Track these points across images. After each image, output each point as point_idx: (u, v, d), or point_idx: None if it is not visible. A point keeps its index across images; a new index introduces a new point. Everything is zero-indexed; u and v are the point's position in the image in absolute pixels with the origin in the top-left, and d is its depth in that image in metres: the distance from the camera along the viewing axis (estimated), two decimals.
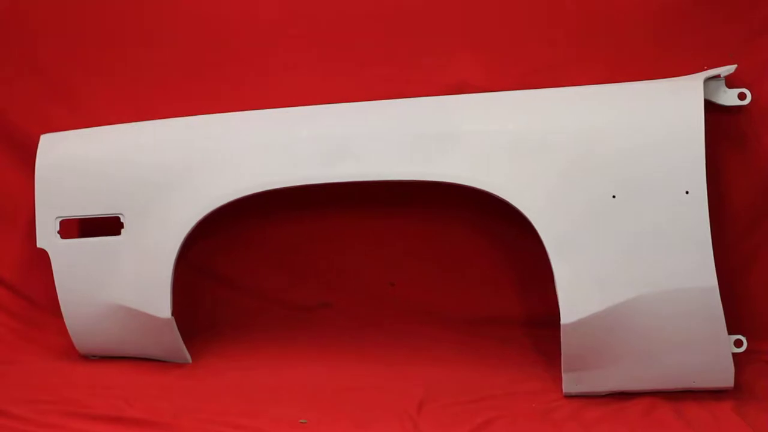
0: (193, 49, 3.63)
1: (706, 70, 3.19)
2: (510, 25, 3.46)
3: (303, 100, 3.42)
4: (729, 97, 3.15)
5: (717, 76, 3.12)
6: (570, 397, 2.99)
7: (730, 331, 2.88)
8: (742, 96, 3.14)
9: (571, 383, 2.99)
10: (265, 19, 3.59)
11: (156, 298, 3.25)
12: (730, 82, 3.16)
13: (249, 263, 3.73)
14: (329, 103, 3.38)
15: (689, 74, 3.22)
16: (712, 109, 3.14)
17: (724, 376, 2.91)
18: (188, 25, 3.62)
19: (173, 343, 3.32)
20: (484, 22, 3.47)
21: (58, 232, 3.33)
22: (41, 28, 3.68)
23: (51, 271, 3.35)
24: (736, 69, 3.12)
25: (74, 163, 3.36)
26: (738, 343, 2.97)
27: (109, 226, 3.33)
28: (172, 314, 3.25)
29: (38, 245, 3.36)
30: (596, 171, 2.95)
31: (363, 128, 3.21)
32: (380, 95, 3.39)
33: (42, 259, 3.40)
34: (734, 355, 2.92)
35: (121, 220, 3.29)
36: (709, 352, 2.89)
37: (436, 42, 3.50)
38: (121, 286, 3.29)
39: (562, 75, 3.39)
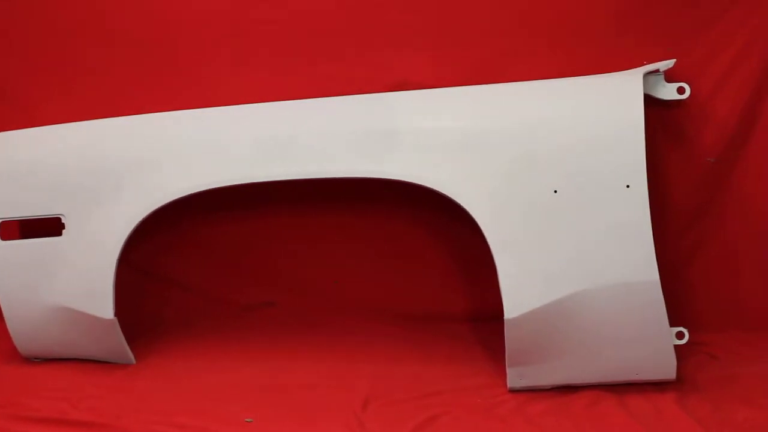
0: (137, 49, 3.61)
1: (646, 64, 3.21)
2: (452, 22, 3.46)
3: (248, 98, 3.42)
4: (668, 92, 3.18)
5: (656, 71, 3.15)
6: (515, 391, 3.01)
7: (672, 324, 2.91)
8: (681, 90, 3.17)
9: (515, 378, 3.00)
10: (211, 18, 3.58)
11: (98, 299, 3.22)
12: (670, 76, 3.19)
13: (192, 263, 3.72)
14: (274, 101, 3.37)
15: (629, 69, 3.23)
16: (651, 103, 3.17)
17: (666, 368, 2.93)
18: (132, 25, 3.61)
19: (117, 344, 3.30)
20: (427, 19, 3.48)
21: None
22: None
23: None
24: (675, 64, 3.14)
25: (14, 164, 3.33)
26: (680, 336, 3.00)
27: (50, 227, 3.30)
28: (115, 315, 3.23)
29: None
30: (538, 166, 2.96)
31: (306, 126, 3.21)
32: (324, 92, 3.40)
33: None
34: (676, 347, 2.94)
35: (62, 221, 3.26)
36: (652, 344, 2.91)
37: (380, 39, 3.51)
38: (63, 287, 3.27)
39: (503, 71, 3.41)
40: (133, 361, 3.35)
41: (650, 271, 2.87)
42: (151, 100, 3.53)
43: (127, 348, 3.32)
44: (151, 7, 3.59)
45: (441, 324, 3.56)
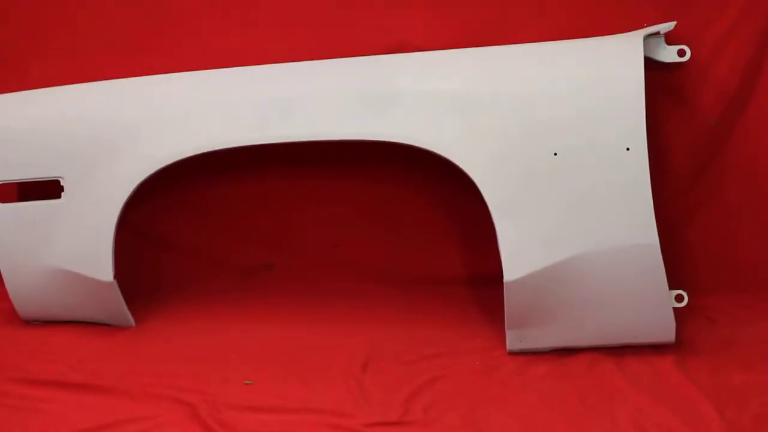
0: (131, 9, 3.59)
1: (646, 26, 3.20)
2: None
3: (245, 61, 3.40)
4: (668, 54, 3.17)
5: (656, 33, 3.13)
6: (514, 353, 3.01)
7: (671, 287, 2.91)
8: (681, 53, 3.16)
9: (514, 340, 3.01)
10: None
11: (98, 262, 3.23)
12: (670, 38, 3.17)
13: (192, 225, 3.71)
14: (269, 63, 3.35)
15: (629, 31, 3.22)
16: (651, 65, 3.16)
17: (665, 331, 2.94)
18: None
19: (116, 307, 3.30)
20: None
21: None
22: None
23: None
24: (676, 26, 3.13)
25: (11, 127, 3.32)
26: (679, 298, 3.01)
27: (49, 189, 3.29)
28: (115, 278, 3.23)
29: None
30: (537, 129, 2.96)
31: (304, 88, 3.19)
32: (322, 55, 3.37)
33: None
34: (675, 310, 2.94)
35: (61, 183, 3.26)
36: (651, 307, 2.91)
37: (378, 1, 3.48)
38: (62, 250, 3.27)
39: (503, 33, 3.38)
40: (133, 323, 3.36)
41: (649, 234, 2.86)
42: (149, 61, 3.51)
43: (127, 311, 3.32)
44: None
45: (440, 287, 3.56)
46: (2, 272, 3.34)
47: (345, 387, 2.83)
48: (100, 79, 3.42)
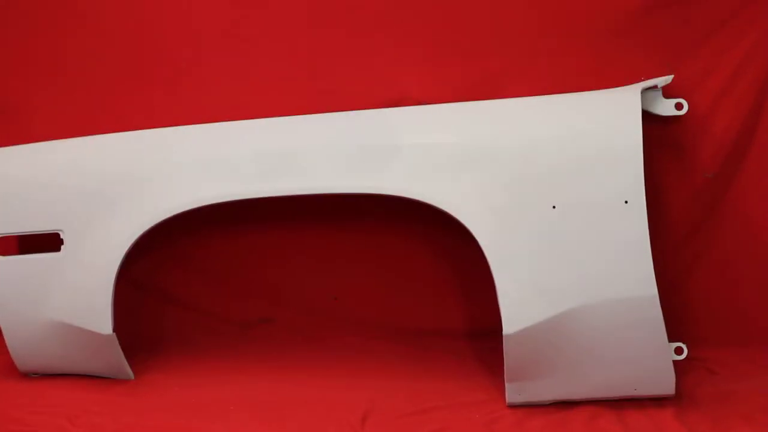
0: (134, 64, 3.61)
1: (644, 80, 3.22)
2: (451, 38, 3.46)
3: (244, 114, 3.41)
4: (666, 107, 3.19)
5: (654, 87, 3.15)
6: (513, 407, 3.00)
7: (671, 339, 2.91)
8: (679, 106, 3.18)
9: (514, 393, 3.00)
10: (205, 32, 3.58)
11: (97, 315, 3.22)
12: (667, 92, 3.19)
13: (191, 279, 3.72)
14: (271, 117, 3.37)
15: (627, 84, 3.24)
16: (649, 119, 3.18)
17: (665, 383, 2.93)
18: (129, 40, 3.60)
19: (115, 360, 3.29)
20: (426, 35, 3.48)
21: None
22: None
23: None
24: (673, 79, 3.15)
25: (12, 179, 3.33)
26: (678, 351, 3.01)
27: (49, 242, 3.30)
28: (114, 331, 3.23)
29: None
30: (536, 182, 2.96)
31: (304, 142, 3.21)
32: (322, 108, 3.39)
33: None
34: (675, 362, 2.94)
35: (61, 236, 3.26)
36: (651, 360, 2.91)
37: (378, 55, 3.51)
38: (62, 303, 3.26)
39: (502, 87, 3.41)
40: (132, 376, 3.35)
41: (649, 286, 2.86)
42: (147, 116, 3.53)
43: (126, 364, 3.31)
44: (149, 22, 3.59)
45: (439, 339, 3.56)
46: (1, 325, 3.33)
47: None
48: (100, 132, 3.43)
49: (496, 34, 3.44)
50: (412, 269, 3.63)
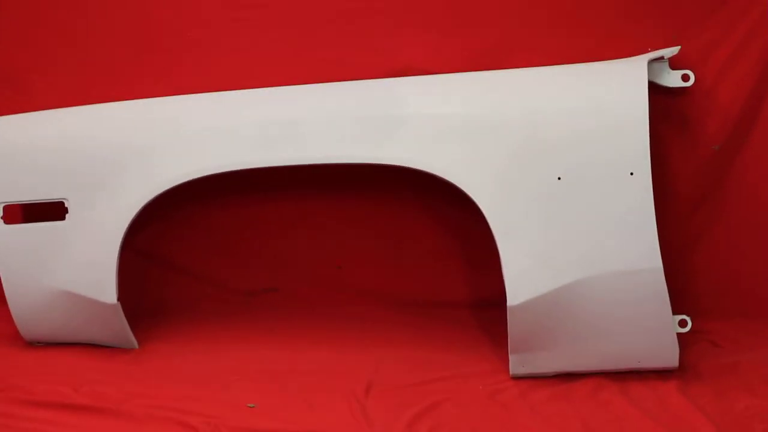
0: (140, 32, 3.61)
1: (651, 51, 3.20)
2: (456, 7, 3.45)
3: (249, 83, 3.41)
4: (672, 79, 3.18)
5: (661, 58, 3.14)
6: (517, 378, 3.01)
7: (675, 312, 2.91)
8: (685, 78, 3.17)
9: (517, 365, 3.00)
10: (214, 3, 3.57)
11: (102, 284, 3.23)
12: (674, 63, 3.18)
13: (195, 248, 3.72)
14: (274, 86, 3.36)
15: (634, 55, 3.23)
16: (656, 90, 3.17)
17: (669, 356, 2.93)
18: (135, 7, 3.59)
19: (119, 329, 3.30)
20: (431, 4, 3.47)
21: (2, 218, 3.30)
22: None
23: None
24: (680, 50, 3.14)
25: (17, 148, 3.33)
26: (682, 323, 3.00)
27: (54, 211, 3.30)
28: (118, 299, 3.23)
29: None
30: (541, 153, 2.96)
31: (308, 111, 3.20)
32: (326, 78, 3.39)
33: None
34: (679, 335, 2.94)
35: (66, 205, 3.26)
36: (654, 332, 2.91)
37: (382, 24, 3.49)
38: (66, 271, 3.27)
39: (508, 56, 3.40)
40: (136, 345, 3.35)
41: (653, 259, 2.86)
42: (151, 85, 3.53)
43: (130, 332, 3.32)
44: None
45: (443, 310, 3.56)
46: (6, 293, 3.33)
47: (348, 410, 2.82)
48: (105, 101, 3.44)
49: (501, 4, 3.44)
50: (416, 240, 3.63)
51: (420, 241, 3.63)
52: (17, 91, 3.65)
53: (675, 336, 2.92)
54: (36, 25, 3.64)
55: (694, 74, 3.17)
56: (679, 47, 3.15)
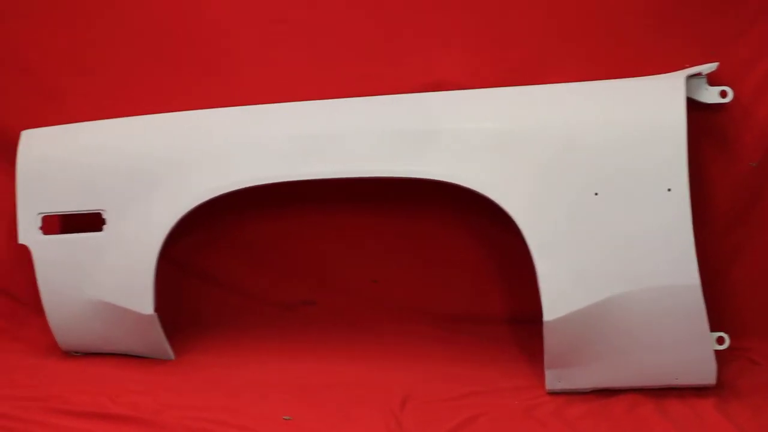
0: (177, 47, 3.62)
1: (688, 67, 3.19)
2: (490, 23, 3.45)
3: (284, 97, 3.41)
4: (710, 95, 3.16)
5: (699, 74, 3.13)
6: (553, 393, 3.00)
7: (713, 328, 2.89)
8: (723, 94, 3.16)
9: (553, 380, 2.99)
10: (245, 17, 3.58)
11: (139, 295, 3.24)
12: (712, 79, 3.17)
13: (232, 260, 3.73)
14: (309, 100, 3.37)
15: (671, 72, 3.22)
16: (693, 106, 3.15)
17: (706, 373, 2.92)
18: (172, 23, 3.61)
19: (156, 340, 3.32)
20: (464, 20, 3.46)
21: (40, 228, 3.33)
22: (24, 24, 3.67)
23: (33, 267, 3.35)
24: (718, 67, 3.13)
25: (56, 159, 3.35)
26: (720, 341, 2.99)
27: (91, 222, 3.32)
28: (155, 310, 3.25)
29: (20, 241, 3.36)
30: (578, 168, 2.96)
31: (344, 125, 3.21)
32: (361, 92, 3.40)
33: (24, 255, 3.39)
34: (716, 352, 2.93)
35: (103, 216, 3.29)
36: (692, 349, 2.90)
37: (417, 39, 3.50)
38: (103, 282, 3.29)
39: (542, 72, 3.38)
40: (173, 356, 3.37)
41: (691, 275, 2.85)
42: (190, 99, 3.54)
43: (167, 343, 3.34)
44: (187, 6, 3.60)
45: (479, 325, 3.56)
46: (44, 304, 3.36)
47: (383, 424, 2.82)
48: (140, 114, 3.46)
49: (536, 19, 3.43)
50: (452, 254, 3.63)
51: (456, 255, 3.62)
52: (56, 103, 3.67)
53: (713, 353, 2.90)
54: (72, 37, 3.66)
55: (733, 90, 3.15)
56: (717, 63, 3.13)
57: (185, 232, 3.53)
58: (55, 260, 3.33)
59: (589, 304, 2.90)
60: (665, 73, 3.22)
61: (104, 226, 3.29)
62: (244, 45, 3.59)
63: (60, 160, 3.35)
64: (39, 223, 3.33)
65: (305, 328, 3.60)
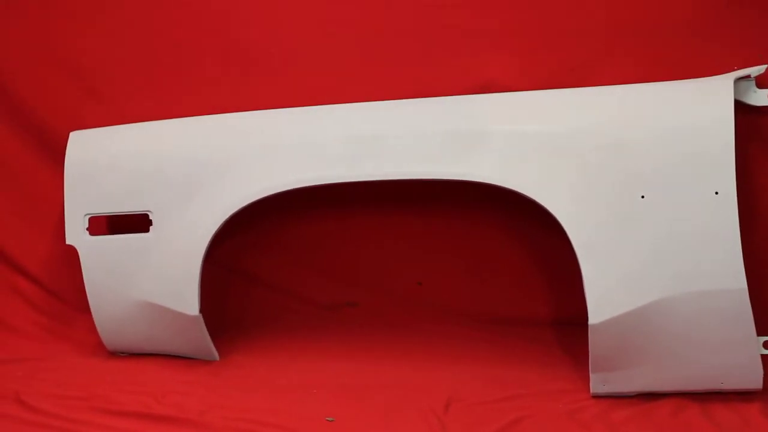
0: (226, 49, 3.64)
1: (737, 70, 3.17)
2: (540, 25, 3.45)
3: (333, 99, 3.44)
4: (759, 98, 3.14)
5: (747, 77, 3.10)
6: (597, 397, 2.98)
7: (759, 333, 2.87)
8: None
9: (598, 383, 2.98)
10: (297, 18, 3.60)
11: (184, 296, 3.26)
12: (761, 82, 3.14)
13: (277, 261, 3.75)
14: (359, 102, 3.38)
15: (719, 74, 3.20)
16: (742, 109, 3.13)
17: (752, 377, 2.89)
18: (220, 25, 3.63)
19: (201, 340, 3.33)
20: (514, 22, 3.47)
21: (87, 229, 3.36)
22: (72, 25, 3.70)
23: (80, 268, 3.37)
24: (766, 69, 3.10)
25: (103, 161, 3.38)
26: (767, 345, 2.96)
27: (138, 223, 3.34)
28: (200, 311, 3.26)
29: (67, 242, 3.39)
30: (625, 171, 2.94)
31: (392, 127, 3.22)
32: (410, 94, 3.40)
33: (71, 256, 3.41)
34: (763, 356, 2.91)
35: (150, 217, 3.31)
36: (738, 353, 2.87)
37: (467, 41, 3.50)
38: (149, 283, 3.31)
39: (591, 74, 3.38)
40: (217, 357, 3.38)
41: (738, 279, 2.83)
42: (238, 101, 3.55)
43: (211, 344, 3.35)
44: (241, 8, 3.61)
45: (524, 327, 3.55)
46: (90, 304, 3.39)
47: (426, 426, 2.82)
48: (189, 115, 3.48)
49: (585, 22, 3.42)
50: (497, 256, 3.62)
51: (502, 258, 3.62)
52: (104, 104, 3.70)
53: (759, 357, 2.88)
54: (122, 39, 3.69)
55: None
56: (766, 66, 3.11)
57: (230, 234, 3.56)
58: (101, 261, 3.36)
59: (634, 307, 2.88)
60: (714, 75, 3.20)
61: (151, 228, 3.31)
62: (294, 46, 3.61)
63: (108, 161, 3.38)
64: (86, 224, 3.35)
65: (348, 329, 3.60)
